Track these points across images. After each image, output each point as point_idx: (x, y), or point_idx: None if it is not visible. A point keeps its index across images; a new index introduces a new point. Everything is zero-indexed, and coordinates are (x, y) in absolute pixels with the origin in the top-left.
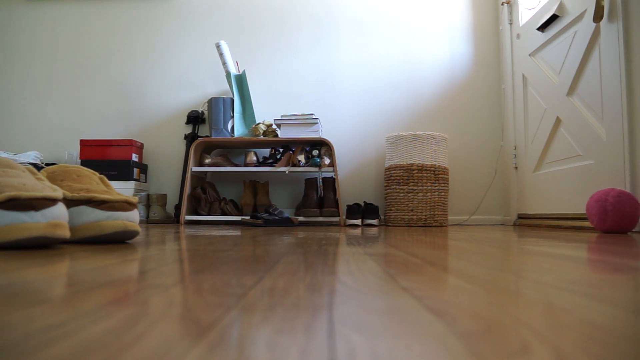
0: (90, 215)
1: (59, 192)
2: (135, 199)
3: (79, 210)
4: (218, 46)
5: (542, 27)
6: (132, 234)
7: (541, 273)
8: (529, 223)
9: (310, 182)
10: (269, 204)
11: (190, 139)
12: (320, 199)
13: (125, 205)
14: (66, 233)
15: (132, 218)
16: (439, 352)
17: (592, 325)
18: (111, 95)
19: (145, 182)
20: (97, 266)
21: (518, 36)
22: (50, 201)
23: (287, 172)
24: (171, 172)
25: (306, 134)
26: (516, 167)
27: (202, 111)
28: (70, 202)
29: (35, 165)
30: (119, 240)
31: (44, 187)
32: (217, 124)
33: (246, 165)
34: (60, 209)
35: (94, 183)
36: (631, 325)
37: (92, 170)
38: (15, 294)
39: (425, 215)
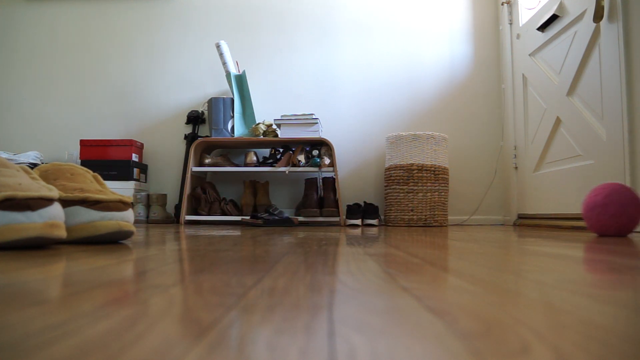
0: (85, 216)
1: (54, 192)
2: (129, 199)
3: (73, 211)
4: (218, 46)
5: (542, 27)
6: (127, 234)
7: (541, 273)
8: (529, 223)
9: (310, 182)
10: (269, 204)
11: (190, 139)
12: (320, 199)
13: (119, 205)
14: (63, 233)
15: (127, 218)
16: (439, 352)
17: (592, 325)
18: (111, 95)
19: (145, 182)
20: (96, 266)
21: (518, 36)
22: (46, 201)
23: (287, 172)
24: (171, 172)
25: (306, 134)
26: (516, 167)
27: (202, 111)
28: (64, 202)
29: (35, 165)
30: (114, 240)
31: (39, 187)
32: (217, 124)
33: (246, 165)
34: (56, 209)
35: (88, 182)
36: (631, 325)
37: (85, 168)
38: (14, 294)
39: (425, 215)
